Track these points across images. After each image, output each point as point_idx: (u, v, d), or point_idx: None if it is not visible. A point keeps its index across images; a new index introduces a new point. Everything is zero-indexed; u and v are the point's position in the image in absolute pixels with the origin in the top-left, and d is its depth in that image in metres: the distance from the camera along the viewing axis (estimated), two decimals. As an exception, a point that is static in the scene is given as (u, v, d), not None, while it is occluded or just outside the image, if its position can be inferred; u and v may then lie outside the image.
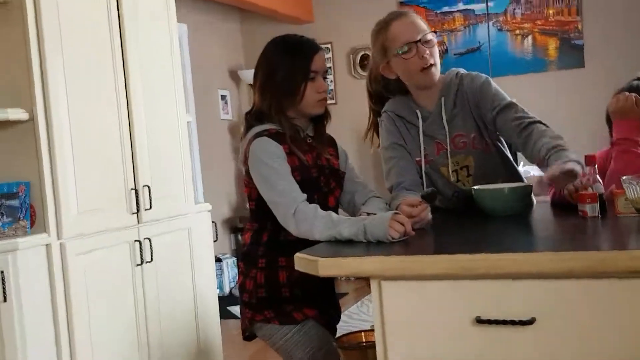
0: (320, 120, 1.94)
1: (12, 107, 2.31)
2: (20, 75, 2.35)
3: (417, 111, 1.98)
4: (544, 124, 1.83)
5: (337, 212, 1.81)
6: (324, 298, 1.93)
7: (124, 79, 2.74)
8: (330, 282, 1.96)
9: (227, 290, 4.99)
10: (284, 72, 1.82)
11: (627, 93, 1.99)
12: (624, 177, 1.55)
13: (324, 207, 1.75)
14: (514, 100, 1.92)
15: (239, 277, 1.95)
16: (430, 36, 1.90)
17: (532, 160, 1.81)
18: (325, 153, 1.92)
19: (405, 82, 1.98)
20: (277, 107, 1.83)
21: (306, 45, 1.86)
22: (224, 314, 3.62)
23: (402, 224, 1.50)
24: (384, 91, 2.06)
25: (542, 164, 1.72)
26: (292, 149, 1.82)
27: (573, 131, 4.81)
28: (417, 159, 1.98)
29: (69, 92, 2.46)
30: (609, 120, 2.07)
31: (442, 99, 1.96)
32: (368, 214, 1.72)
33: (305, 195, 1.75)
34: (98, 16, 2.64)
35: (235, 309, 4.43)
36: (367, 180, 6.39)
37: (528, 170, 3.58)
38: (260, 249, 1.87)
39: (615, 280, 1.18)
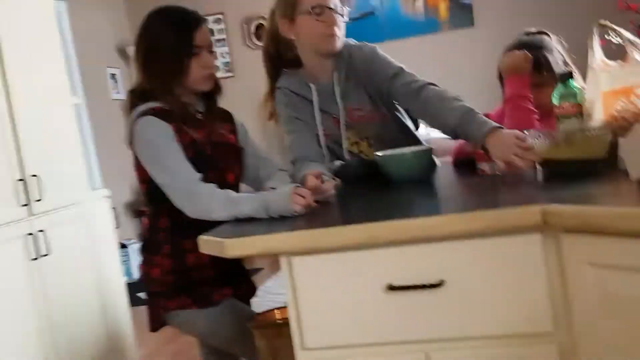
0: (211, 95, 1.87)
1: None
2: None
3: (311, 85, 1.94)
4: (436, 86, 1.82)
5: (237, 190, 1.76)
6: (236, 274, 1.89)
7: (0, 65, 2.52)
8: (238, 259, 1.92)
9: (135, 276, 4.83)
10: (167, 48, 1.73)
11: (517, 51, 2.05)
12: (526, 132, 1.60)
13: (223, 185, 1.68)
14: (403, 66, 1.91)
15: (141, 267, 1.86)
16: (343, 8, 1.87)
17: (438, 128, 1.76)
18: (219, 128, 1.85)
19: (303, 48, 1.92)
20: (162, 85, 1.74)
21: (189, 17, 1.78)
22: (135, 301, 3.50)
23: (304, 197, 1.46)
24: (273, 57, 1.98)
25: (453, 133, 1.69)
26: (180, 126, 1.73)
27: (468, 90, 4.97)
28: (316, 132, 1.95)
29: None
30: (501, 78, 2.12)
31: (335, 73, 1.93)
32: (273, 188, 1.68)
33: (199, 174, 1.68)
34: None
35: (146, 294, 4.31)
36: (272, 154, 6.33)
37: (428, 133, 3.66)
38: (162, 234, 1.79)
39: (513, 236, 1.21)
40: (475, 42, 5.28)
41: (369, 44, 1.97)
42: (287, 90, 1.96)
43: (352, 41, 1.98)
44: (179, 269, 1.78)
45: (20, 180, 2.54)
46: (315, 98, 1.93)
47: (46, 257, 2.60)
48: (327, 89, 1.94)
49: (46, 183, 2.67)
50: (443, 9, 5.40)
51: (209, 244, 1.35)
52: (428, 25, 5.41)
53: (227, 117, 1.95)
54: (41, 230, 2.59)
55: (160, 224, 1.80)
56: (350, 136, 1.95)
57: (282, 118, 1.97)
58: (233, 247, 1.30)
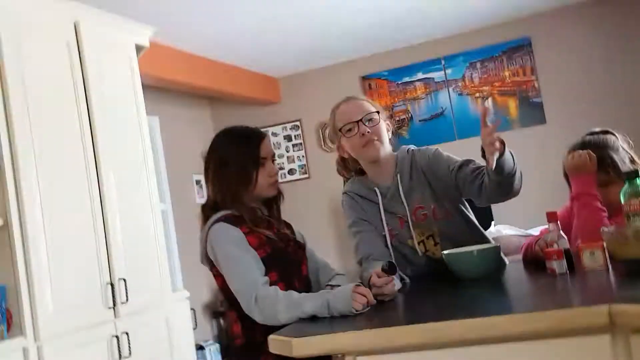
0: (275, 200, 1.99)
1: (-15, 214, 2.33)
2: (-6, 184, 2.38)
3: (376, 189, 2.05)
4: None
5: (310, 281, 1.85)
6: None
7: (97, 178, 2.77)
8: None
9: (213, 377, 4.86)
10: (235, 162, 1.88)
11: (581, 151, 2.07)
12: (603, 229, 1.61)
13: (299, 276, 1.77)
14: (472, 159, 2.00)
15: None
16: (373, 116, 2.02)
17: (486, 193, 1.86)
18: (282, 228, 1.96)
19: (358, 160, 2.08)
20: (232, 196, 1.87)
21: (253, 134, 1.94)
22: (211, 403, 3.53)
23: (364, 295, 1.52)
24: (344, 171, 2.17)
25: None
26: (252, 227, 1.84)
27: (539, 186, 4.93)
28: (383, 234, 2.03)
29: (42, 195, 2.49)
30: (566, 176, 2.14)
31: (398, 175, 2.04)
32: (332, 287, 1.73)
33: (266, 278, 1.75)
34: (69, 119, 2.70)
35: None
36: (343, 254, 6.36)
37: (499, 230, 3.63)
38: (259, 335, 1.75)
39: (580, 337, 1.20)
40: (548, 138, 5.28)
41: (432, 147, 2.11)
42: (353, 194, 2.10)
43: (412, 147, 2.12)
44: None
45: (109, 283, 2.71)
46: (380, 199, 2.03)
47: (128, 358, 2.71)
48: (391, 190, 2.04)
49: (132, 285, 2.82)
50: (512, 107, 5.48)
51: (277, 343, 1.40)
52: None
53: (288, 226, 2.04)
54: (125, 332, 2.72)
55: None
56: (416, 235, 2.01)
57: (349, 220, 2.08)
58: (300, 346, 1.34)
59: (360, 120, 2.01)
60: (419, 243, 2.01)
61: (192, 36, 4.44)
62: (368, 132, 1.99)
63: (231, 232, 1.81)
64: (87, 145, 2.75)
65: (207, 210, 1.92)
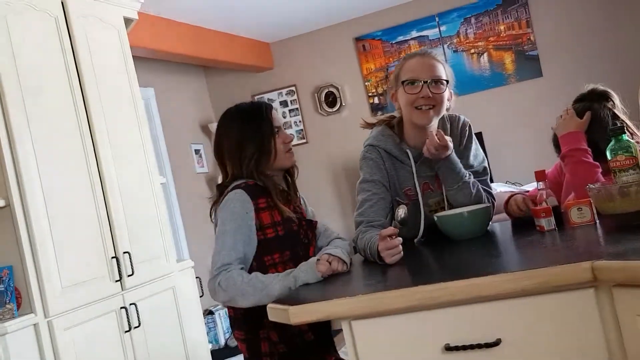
0: (290, 175, 2.02)
1: (-13, 196, 2.37)
2: (-8, 165, 2.42)
3: (408, 151, 2.02)
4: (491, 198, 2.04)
5: None
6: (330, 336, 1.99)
7: (94, 154, 2.80)
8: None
9: (222, 342, 4.98)
10: (253, 136, 1.91)
11: (566, 109, 2.10)
12: (589, 186, 1.65)
13: (306, 259, 1.81)
14: (486, 166, 2.08)
15: (243, 345, 1.90)
16: (441, 82, 1.95)
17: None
18: (297, 204, 2.00)
19: (403, 116, 2.04)
20: (255, 169, 1.90)
21: (261, 106, 1.97)
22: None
23: (328, 262, 1.70)
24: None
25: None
26: (273, 202, 1.87)
27: (538, 140, 4.94)
28: (406, 189, 2.02)
29: (41, 174, 2.52)
30: (555, 141, 2.15)
31: None
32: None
33: (239, 266, 1.80)
34: (63, 98, 2.71)
35: (233, 360, 4.44)
36: (343, 218, 6.40)
37: (495, 188, 3.67)
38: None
39: (568, 292, 1.24)
40: (545, 91, 5.27)
41: (468, 121, 2.10)
42: (381, 149, 2.03)
43: (458, 115, 2.10)
44: (286, 339, 1.85)
45: (114, 257, 2.77)
46: (412, 162, 2.01)
47: (137, 328, 2.79)
48: (424, 156, 1.99)
49: (137, 258, 2.88)
50: (508, 62, 5.45)
51: (275, 312, 1.45)
52: (495, 79, 5.46)
53: (301, 200, 2.08)
54: (133, 304, 2.79)
55: None
56: (434, 204, 2.03)
57: (367, 176, 2.03)
58: (298, 313, 1.39)
59: (427, 82, 1.93)
60: (431, 212, 2.01)
61: (183, 5, 4.41)
62: (429, 96, 1.93)
63: (240, 206, 1.83)
64: (82, 121, 2.77)
65: (225, 187, 1.92)
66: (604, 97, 2.13)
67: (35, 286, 2.42)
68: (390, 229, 1.68)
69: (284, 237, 1.86)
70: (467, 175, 1.99)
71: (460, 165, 1.97)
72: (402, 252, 1.68)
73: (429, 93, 1.93)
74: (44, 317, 2.42)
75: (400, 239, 1.69)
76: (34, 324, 2.38)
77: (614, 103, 2.11)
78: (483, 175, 2.07)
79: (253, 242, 1.84)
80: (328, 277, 1.70)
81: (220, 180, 1.99)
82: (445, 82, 1.96)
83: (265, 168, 1.91)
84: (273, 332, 1.84)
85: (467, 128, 2.09)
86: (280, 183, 1.97)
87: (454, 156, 1.96)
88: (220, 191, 1.93)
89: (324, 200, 5.82)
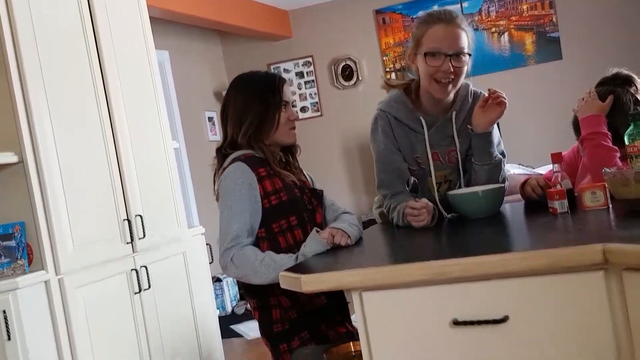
0: (290, 151, 2.02)
1: (2, 152, 2.39)
2: (7, 121, 2.42)
3: (421, 118, 2.00)
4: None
5: (323, 229, 1.89)
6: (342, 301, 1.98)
7: (108, 114, 2.81)
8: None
9: (229, 309, 5.04)
10: (260, 103, 1.91)
11: (589, 91, 2.07)
12: (605, 170, 1.64)
13: (313, 224, 1.83)
14: (503, 149, 2.07)
15: (256, 313, 1.92)
16: (463, 56, 1.91)
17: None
18: (299, 176, 2.00)
19: (421, 83, 2.01)
20: (254, 136, 1.90)
21: (274, 78, 1.97)
22: (227, 333, 3.68)
23: (333, 235, 1.73)
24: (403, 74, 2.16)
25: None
26: (274, 169, 1.88)
27: (553, 123, 4.90)
28: (415, 156, 2.02)
29: (55, 131, 2.53)
30: (575, 123, 2.13)
31: (454, 114, 2.00)
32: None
33: (250, 240, 1.82)
34: (78, 55, 2.71)
35: (238, 327, 4.49)
36: (355, 192, 6.41)
37: (508, 169, 3.66)
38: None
39: (577, 274, 1.25)
40: (564, 75, 5.21)
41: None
42: (391, 116, 2.02)
43: (473, 88, 2.06)
44: (297, 304, 1.86)
45: (126, 220, 2.80)
46: (425, 131, 1.99)
47: (147, 290, 2.83)
48: (441, 124, 2.00)
49: (148, 222, 2.91)
50: (529, 43, 5.38)
51: (287, 279, 1.47)
52: (514, 60, 5.40)
53: (305, 174, 2.08)
54: (143, 266, 2.83)
55: None
56: (439, 176, 2.03)
57: (380, 146, 2.02)
58: (310, 282, 1.41)
59: (449, 55, 1.88)
60: (437, 183, 2.01)
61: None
62: (450, 71, 1.89)
63: (242, 177, 1.84)
64: (97, 82, 2.77)
65: (225, 150, 1.94)
66: (628, 81, 2.11)
67: (47, 243, 2.45)
68: (423, 201, 1.79)
69: (288, 203, 1.86)
70: (498, 155, 1.98)
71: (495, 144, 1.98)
72: (427, 219, 1.77)
73: (450, 67, 1.90)
74: (55, 275, 2.45)
75: (427, 202, 1.78)
76: (45, 281, 2.41)
77: (637, 88, 2.09)
78: (502, 157, 2.06)
79: (258, 212, 1.85)
80: (341, 247, 1.71)
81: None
82: (467, 55, 1.93)
83: (265, 138, 1.92)
84: (284, 297, 1.86)
85: None
86: (278, 153, 1.97)
87: (496, 131, 1.99)
88: (219, 158, 1.95)
89: (335, 175, 5.82)
